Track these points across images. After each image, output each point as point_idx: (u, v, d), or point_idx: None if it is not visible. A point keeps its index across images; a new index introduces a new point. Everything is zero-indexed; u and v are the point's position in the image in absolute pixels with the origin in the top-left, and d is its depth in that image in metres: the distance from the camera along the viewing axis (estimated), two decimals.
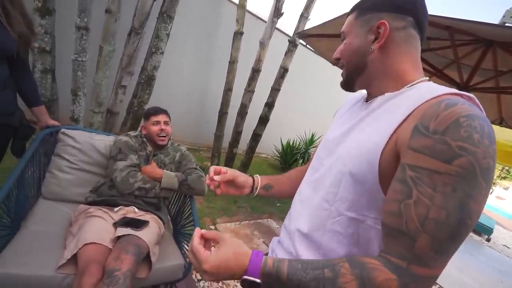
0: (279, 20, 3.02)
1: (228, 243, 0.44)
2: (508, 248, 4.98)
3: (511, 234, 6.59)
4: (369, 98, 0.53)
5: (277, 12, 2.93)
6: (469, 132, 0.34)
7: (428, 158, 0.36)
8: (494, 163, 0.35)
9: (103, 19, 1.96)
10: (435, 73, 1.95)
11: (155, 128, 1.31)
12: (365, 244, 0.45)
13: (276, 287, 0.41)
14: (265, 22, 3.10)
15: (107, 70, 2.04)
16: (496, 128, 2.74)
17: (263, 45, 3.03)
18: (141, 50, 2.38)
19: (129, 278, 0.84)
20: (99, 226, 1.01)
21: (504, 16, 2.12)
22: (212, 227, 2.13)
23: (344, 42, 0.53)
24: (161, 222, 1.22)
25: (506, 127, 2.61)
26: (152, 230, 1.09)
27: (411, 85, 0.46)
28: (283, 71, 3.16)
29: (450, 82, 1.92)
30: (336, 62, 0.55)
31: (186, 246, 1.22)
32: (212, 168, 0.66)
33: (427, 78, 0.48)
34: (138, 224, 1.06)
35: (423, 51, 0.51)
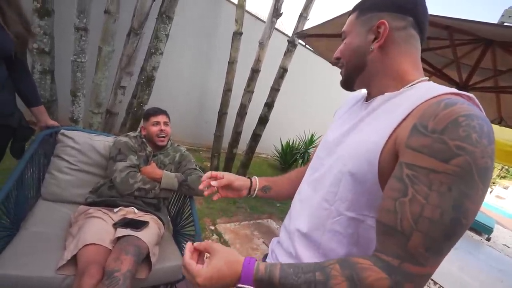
0: (278, 20, 3.03)
1: (220, 253, 0.44)
2: (508, 247, 4.99)
3: (511, 233, 6.60)
4: (369, 98, 0.53)
5: (276, 12, 2.93)
6: (467, 131, 0.34)
7: (426, 157, 0.36)
8: (492, 163, 0.35)
9: (102, 20, 1.96)
10: (435, 72, 1.95)
11: (154, 129, 1.31)
12: (365, 244, 0.45)
13: None
14: (264, 22, 3.10)
15: (106, 70, 2.04)
16: (495, 127, 2.74)
17: (262, 45, 3.04)
18: (140, 51, 2.38)
19: (129, 279, 0.84)
20: (99, 227, 1.01)
21: (503, 16, 2.12)
22: (212, 227, 2.13)
23: (345, 41, 0.53)
24: (161, 222, 1.22)
25: (505, 126, 2.61)
26: (152, 231, 1.08)
27: (411, 85, 0.46)
28: (282, 71, 3.16)
29: (449, 81, 1.92)
30: (336, 61, 0.55)
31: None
32: (208, 174, 0.65)
33: (427, 78, 0.48)
34: (138, 225, 1.06)
35: (422, 50, 0.51)
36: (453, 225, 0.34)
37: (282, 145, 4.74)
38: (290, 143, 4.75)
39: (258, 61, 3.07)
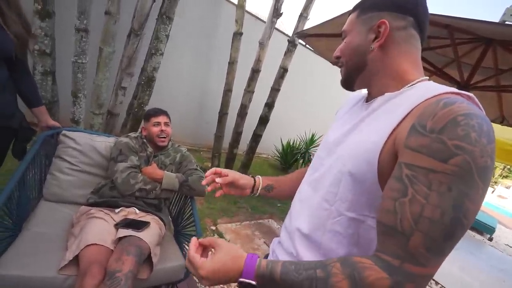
0: (278, 20, 3.03)
1: (223, 247, 0.45)
2: (511, 247, 4.96)
3: None
4: (369, 98, 0.53)
5: (276, 12, 2.93)
6: (466, 130, 0.34)
7: (425, 157, 0.36)
8: (492, 162, 0.35)
9: (102, 21, 1.96)
10: (435, 72, 1.95)
11: (155, 129, 1.32)
12: (366, 245, 0.45)
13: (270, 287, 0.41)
14: (264, 22, 3.10)
15: (107, 71, 2.04)
16: (497, 126, 2.73)
17: (262, 45, 3.04)
18: (141, 52, 2.39)
19: (131, 279, 0.84)
20: (101, 228, 1.02)
21: (504, 14, 2.11)
22: (213, 227, 2.13)
23: (345, 40, 0.53)
24: (162, 223, 1.22)
25: (507, 125, 2.60)
26: (153, 231, 1.09)
27: (411, 85, 0.46)
28: (282, 71, 3.16)
29: (450, 81, 1.92)
30: (336, 61, 0.55)
31: (187, 247, 1.21)
32: (213, 170, 0.67)
33: (427, 77, 0.48)
34: (139, 225, 1.06)
35: (423, 50, 0.51)
36: (454, 224, 0.34)
37: (282, 145, 4.74)
38: (291, 143, 4.74)
39: (258, 61, 3.07)
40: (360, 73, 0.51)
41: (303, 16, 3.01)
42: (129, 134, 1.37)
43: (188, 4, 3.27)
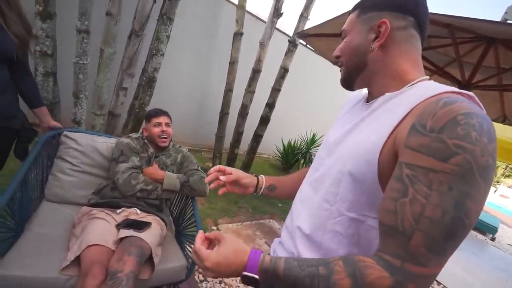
0: (278, 20, 3.02)
1: (229, 241, 0.46)
2: None
3: None
4: (369, 97, 0.53)
5: (276, 12, 2.93)
6: (466, 130, 0.34)
7: (425, 157, 0.35)
8: (493, 161, 0.34)
9: (103, 22, 1.97)
10: (436, 71, 1.94)
11: (156, 130, 1.32)
12: (366, 245, 0.45)
13: (273, 283, 0.42)
14: (265, 22, 3.10)
15: (108, 72, 2.05)
16: (499, 126, 2.72)
17: (263, 45, 3.04)
18: (142, 52, 2.39)
19: (132, 280, 0.84)
20: (102, 228, 1.02)
21: (506, 13, 2.10)
22: (214, 227, 2.14)
23: (345, 40, 0.53)
24: (163, 223, 1.22)
25: (509, 125, 2.59)
26: (155, 232, 1.09)
27: (411, 84, 0.46)
28: (283, 71, 3.16)
29: (451, 80, 1.91)
30: (336, 60, 0.55)
31: (189, 247, 1.22)
32: (217, 167, 0.68)
33: (428, 77, 0.48)
34: (140, 225, 1.06)
35: (424, 49, 0.51)
36: (455, 224, 0.34)
37: (283, 145, 4.74)
38: (292, 143, 4.74)
39: (259, 61, 3.07)
40: (360, 73, 0.51)
41: (303, 16, 3.01)
42: (130, 134, 1.38)
43: (188, 4, 3.28)
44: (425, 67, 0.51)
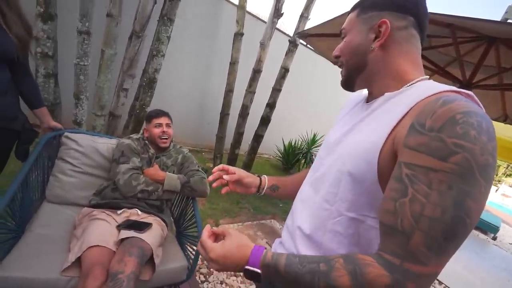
0: (279, 20, 3.03)
1: (234, 236, 0.48)
2: None
3: None
4: (369, 98, 0.53)
5: (277, 13, 2.93)
6: (465, 129, 0.33)
7: (424, 156, 0.35)
8: (494, 160, 0.34)
9: (104, 23, 1.97)
10: (437, 71, 1.93)
11: (157, 131, 1.32)
12: (366, 245, 0.45)
13: (274, 279, 0.43)
14: (265, 22, 3.10)
15: (109, 73, 2.06)
16: (500, 125, 2.71)
17: (263, 45, 3.04)
18: (142, 53, 2.39)
19: (133, 281, 0.85)
20: (103, 229, 1.02)
21: (506, 13, 2.10)
22: (215, 228, 2.13)
23: (344, 40, 0.53)
24: (164, 224, 1.23)
25: (510, 124, 2.58)
26: (155, 232, 1.09)
27: (411, 84, 0.46)
28: (284, 71, 3.16)
29: (452, 79, 1.91)
30: (335, 60, 0.55)
31: (190, 248, 1.22)
32: (220, 166, 0.69)
33: (427, 76, 0.48)
34: (141, 226, 1.06)
35: (424, 49, 0.51)
36: (455, 223, 0.33)
37: (284, 145, 4.73)
38: (293, 143, 4.73)
39: (259, 61, 3.07)
40: (361, 73, 0.51)
41: (304, 16, 3.00)
42: (131, 135, 1.38)
43: (189, 5, 3.28)
44: (426, 67, 0.51)
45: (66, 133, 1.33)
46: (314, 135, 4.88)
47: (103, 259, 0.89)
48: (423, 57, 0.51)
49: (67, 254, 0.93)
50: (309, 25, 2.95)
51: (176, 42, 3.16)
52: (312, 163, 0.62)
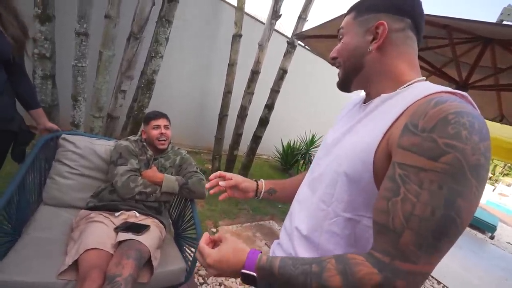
0: (277, 22, 3.03)
1: (230, 241, 0.49)
2: None
3: None
4: (367, 99, 0.54)
5: (275, 14, 2.94)
6: (456, 129, 0.34)
7: (416, 156, 0.36)
8: (486, 160, 0.34)
9: (102, 25, 1.97)
10: (434, 71, 1.95)
11: (155, 132, 1.32)
12: (363, 246, 0.45)
13: (270, 281, 0.44)
14: (264, 24, 3.11)
15: (107, 75, 2.05)
16: (497, 125, 2.73)
17: (261, 47, 3.04)
18: (141, 55, 2.39)
19: (131, 283, 0.84)
20: (100, 231, 1.01)
21: (501, 14, 2.12)
22: (214, 229, 2.13)
23: (342, 41, 0.53)
24: (162, 226, 1.22)
25: (506, 124, 2.60)
26: (153, 235, 1.08)
27: (407, 85, 0.46)
28: (282, 73, 3.16)
29: (449, 80, 1.92)
30: (333, 61, 0.56)
31: (188, 250, 1.21)
32: (217, 173, 0.70)
33: (424, 78, 0.48)
34: (139, 228, 1.06)
35: (421, 49, 0.51)
36: (445, 222, 0.34)
37: (283, 146, 4.74)
38: (291, 144, 4.74)
39: (257, 62, 3.08)
40: (358, 74, 0.52)
41: (302, 18, 3.02)
42: (129, 137, 1.37)
43: (187, 7, 3.28)
44: (423, 68, 0.52)
45: (63, 135, 1.32)
46: (313, 136, 4.89)
47: (101, 262, 0.89)
48: (420, 58, 0.51)
49: (64, 257, 0.92)
50: (307, 26, 2.96)
51: (175, 43, 3.16)
52: (310, 163, 0.62)
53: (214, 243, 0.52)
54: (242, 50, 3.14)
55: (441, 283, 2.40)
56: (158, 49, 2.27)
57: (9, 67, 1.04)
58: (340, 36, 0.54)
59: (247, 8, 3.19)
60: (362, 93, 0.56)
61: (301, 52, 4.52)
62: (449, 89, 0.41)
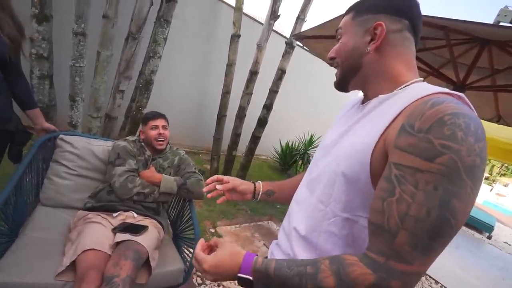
0: (275, 22, 3.04)
1: (225, 246, 0.49)
2: (509, 245, 4.98)
3: None
4: (365, 99, 0.54)
5: (273, 15, 2.95)
6: (452, 130, 0.34)
7: (412, 157, 0.36)
8: (481, 161, 0.35)
9: (100, 25, 1.96)
10: (432, 72, 1.96)
11: (153, 133, 1.31)
12: (360, 246, 0.45)
13: (266, 284, 0.44)
14: (262, 24, 3.11)
15: (105, 75, 2.04)
16: (493, 125, 2.75)
17: (260, 47, 3.05)
18: (139, 55, 2.38)
19: (128, 284, 0.84)
20: (98, 232, 1.01)
21: (498, 15, 2.13)
22: (212, 230, 2.13)
23: (340, 41, 0.53)
24: (160, 226, 1.22)
25: (503, 124, 2.62)
26: (152, 235, 1.08)
27: (404, 86, 0.46)
28: (280, 73, 3.17)
29: (446, 81, 1.93)
30: (331, 62, 0.56)
31: (186, 251, 1.21)
32: (215, 177, 0.71)
33: (421, 79, 0.49)
34: (137, 229, 1.05)
35: (419, 50, 0.52)
36: (440, 223, 0.34)
37: (281, 146, 4.74)
38: (290, 144, 4.74)
39: (256, 63, 3.08)
40: (355, 75, 0.52)
41: (300, 18, 3.02)
42: (127, 137, 1.37)
43: (186, 7, 3.28)
44: (421, 68, 0.52)
45: (61, 135, 1.31)
46: (311, 136, 4.89)
47: (98, 262, 0.88)
48: (417, 58, 0.51)
49: (62, 258, 0.92)
50: (305, 27, 2.97)
51: (173, 44, 3.15)
52: (309, 164, 0.63)
53: (210, 249, 0.52)
54: (241, 50, 3.14)
55: (439, 282, 2.41)
56: (156, 49, 2.27)
57: (5, 67, 1.03)
58: (339, 36, 0.54)
59: (246, 9, 3.19)
60: (360, 94, 0.56)
61: (300, 53, 4.53)
62: (446, 90, 0.42)
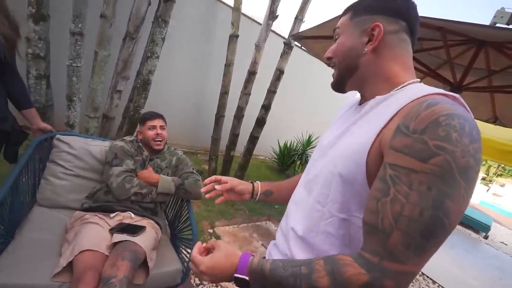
0: (274, 22, 3.04)
1: (222, 247, 0.50)
2: (506, 245, 5.02)
3: (508, 231, 6.65)
4: (362, 100, 0.54)
5: (272, 15, 2.95)
6: (447, 131, 0.34)
7: (407, 157, 0.36)
8: (476, 162, 0.35)
9: (98, 24, 1.95)
10: (429, 73, 1.97)
11: (151, 133, 1.31)
12: (357, 246, 0.45)
13: (262, 284, 0.44)
14: (260, 24, 3.12)
15: (102, 75, 2.03)
16: (490, 126, 2.77)
17: (258, 47, 3.05)
18: (137, 55, 2.37)
19: (126, 285, 0.83)
20: (95, 233, 1.00)
21: (495, 17, 2.15)
22: (211, 230, 2.12)
23: (337, 41, 0.53)
24: (158, 227, 1.21)
25: (500, 125, 2.64)
26: (149, 236, 1.08)
27: (401, 87, 0.47)
28: (278, 73, 3.17)
29: (443, 82, 1.94)
30: (328, 62, 0.56)
31: (184, 251, 1.21)
32: (213, 178, 0.71)
33: (418, 79, 0.49)
34: (134, 229, 1.05)
35: (416, 51, 0.52)
36: (433, 223, 0.34)
37: (280, 146, 4.75)
38: (288, 145, 4.75)
39: (254, 63, 3.08)
40: (352, 75, 0.52)
41: (298, 19, 3.03)
42: (125, 137, 1.36)
43: (184, 7, 3.28)
44: (417, 69, 0.53)
45: (58, 136, 1.31)
46: (310, 136, 4.91)
47: (96, 263, 0.88)
48: (414, 59, 0.52)
49: (58, 259, 0.91)
50: (303, 27, 2.98)
51: (171, 44, 3.14)
52: (307, 164, 0.63)
53: (208, 251, 0.52)
54: (239, 50, 3.14)
55: (436, 282, 2.43)
56: (154, 49, 2.26)
57: (0, 66, 1.02)
58: (336, 36, 0.54)
59: (244, 9, 3.19)
60: (358, 94, 0.57)
61: (298, 53, 4.54)
62: (442, 91, 0.42)
